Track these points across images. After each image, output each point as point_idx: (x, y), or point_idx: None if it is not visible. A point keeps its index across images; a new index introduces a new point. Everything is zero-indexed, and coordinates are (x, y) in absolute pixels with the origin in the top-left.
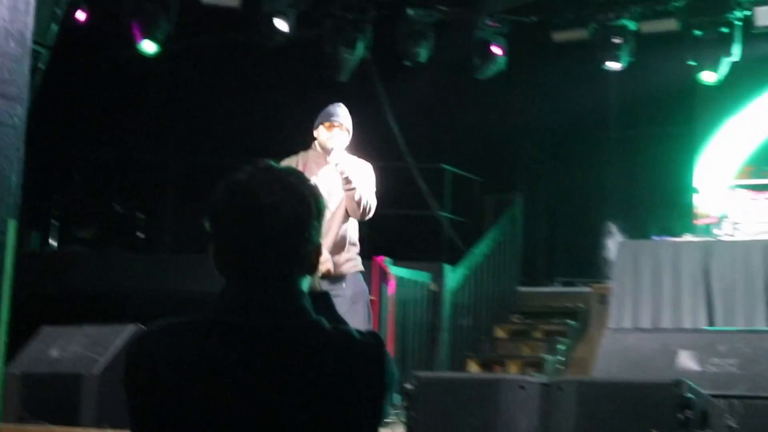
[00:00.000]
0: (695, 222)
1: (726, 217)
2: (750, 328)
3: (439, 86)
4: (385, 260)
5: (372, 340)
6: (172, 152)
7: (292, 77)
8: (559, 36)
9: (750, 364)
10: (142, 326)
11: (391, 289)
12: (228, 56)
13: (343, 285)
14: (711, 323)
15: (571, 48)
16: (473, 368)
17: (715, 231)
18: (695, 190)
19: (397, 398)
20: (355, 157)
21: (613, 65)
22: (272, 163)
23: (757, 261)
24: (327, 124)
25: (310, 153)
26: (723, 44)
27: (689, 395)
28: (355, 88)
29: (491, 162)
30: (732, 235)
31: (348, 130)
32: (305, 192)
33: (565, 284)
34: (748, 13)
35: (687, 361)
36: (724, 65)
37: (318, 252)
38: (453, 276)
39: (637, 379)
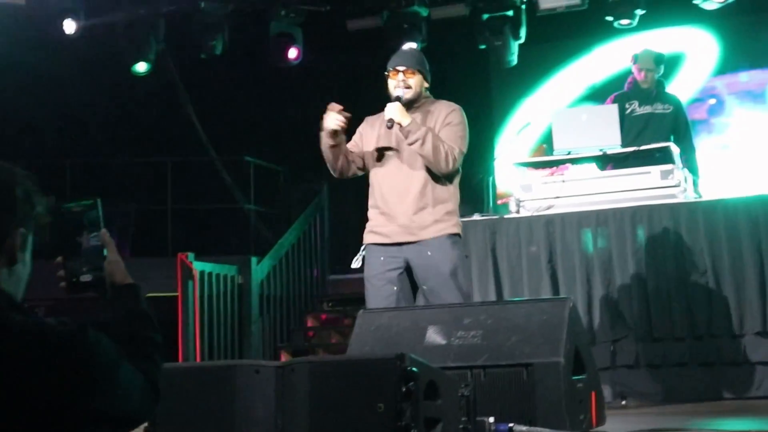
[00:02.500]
0: (498, 202)
1: (512, 195)
2: (511, 299)
3: (237, 78)
4: (188, 256)
5: (69, 330)
6: None
7: (88, 67)
8: (354, 24)
9: (492, 334)
10: None
11: (195, 284)
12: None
13: (428, 252)
14: (500, 298)
15: (367, 35)
16: (286, 358)
17: (510, 209)
18: (492, 171)
19: None
20: (438, 102)
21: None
22: None
23: (540, 236)
24: (391, 72)
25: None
26: (510, 27)
27: (412, 368)
28: (154, 81)
29: (295, 152)
30: (517, 213)
31: (420, 73)
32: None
33: None
34: None
35: (434, 335)
36: (514, 48)
37: (19, 243)
38: (260, 268)
39: (362, 355)
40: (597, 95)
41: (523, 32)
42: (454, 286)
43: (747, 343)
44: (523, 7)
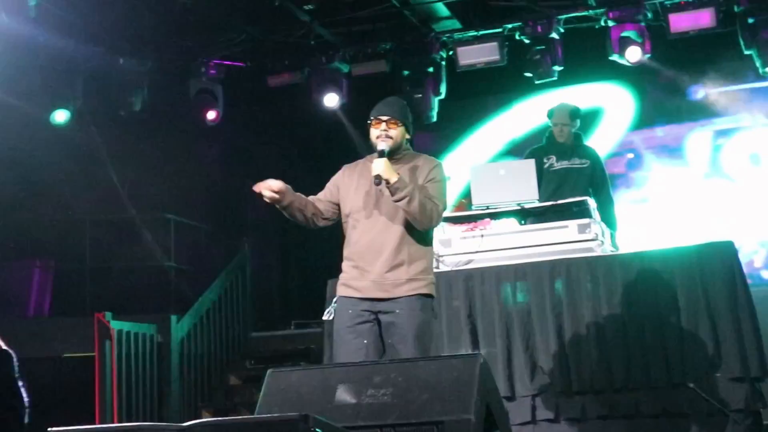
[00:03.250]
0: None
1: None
2: (412, 358)
3: (158, 134)
4: (105, 315)
5: None
6: None
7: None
8: (274, 80)
9: (402, 392)
10: None
11: (112, 343)
12: None
13: (397, 310)
14: None
15: (288, 90)
16: (207, 418)
17: None
18: None
19: None
20: (419, 156)
21: (331, 104)
22: None
23: (459, 291)
24: (373, 121)
25: (368, 159)
26: (431, 83)
27: (316, 429)
28: (72, 137)
29: (217, 210)
30: (437, 268)
31: (403, 124)
32: None
33: (299, 326)
34: (452, 53)
35: (344, 394)
36: (434, 103)
37: None
38: (180, 326)
39: (265, 417)
40: (517, 150)
41: (443, 88)
42: (415, 350)
43: (665, 395)
44: (443, 63)
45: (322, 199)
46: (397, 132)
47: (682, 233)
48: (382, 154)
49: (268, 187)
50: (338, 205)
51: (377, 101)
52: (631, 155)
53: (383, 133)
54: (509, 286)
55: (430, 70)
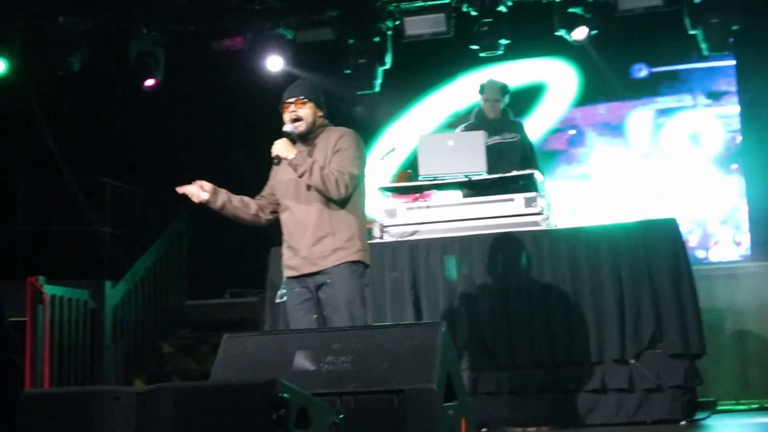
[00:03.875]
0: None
1: (375, 220)
2: (372, 324)
3: (96, 96)
4: (38, 279)
5: None
6: None
7: None
8: (218, 45)
9: (362, 360)
10: None
11: (45, 308)
12: None
13: (328, 280)
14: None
15: (231, 55)
16: (139, 386)
17: (373, 235)
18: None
19: None
20: (330, 128)
21: (274, 67)
22: None
23: (404, 261)
24: (283, 105)
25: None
26: (376, 53)
27: (283, 394)
28: (6, 97)
29: (154, 175)
30: (381, 238)
31: (310, 101)
32: None
33: (234, 295)
34: (398, 23)
35: (303, 361)
36: (379, 73)
37: None
38: (114, 292)
39: (231, 381)
40: (460, 123)
41: (388, 58)
42: (347, 317)
43: (606, 371)
44: (389, 33)
45: (265, 195)
46: (306, 111)
47: (622, 210)
48: (284, 135)
49: (199, 187)
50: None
51: (322, 69)
52: (573, 131)
53: (292, 114)
54: (454, 258)
55: (376, 39)
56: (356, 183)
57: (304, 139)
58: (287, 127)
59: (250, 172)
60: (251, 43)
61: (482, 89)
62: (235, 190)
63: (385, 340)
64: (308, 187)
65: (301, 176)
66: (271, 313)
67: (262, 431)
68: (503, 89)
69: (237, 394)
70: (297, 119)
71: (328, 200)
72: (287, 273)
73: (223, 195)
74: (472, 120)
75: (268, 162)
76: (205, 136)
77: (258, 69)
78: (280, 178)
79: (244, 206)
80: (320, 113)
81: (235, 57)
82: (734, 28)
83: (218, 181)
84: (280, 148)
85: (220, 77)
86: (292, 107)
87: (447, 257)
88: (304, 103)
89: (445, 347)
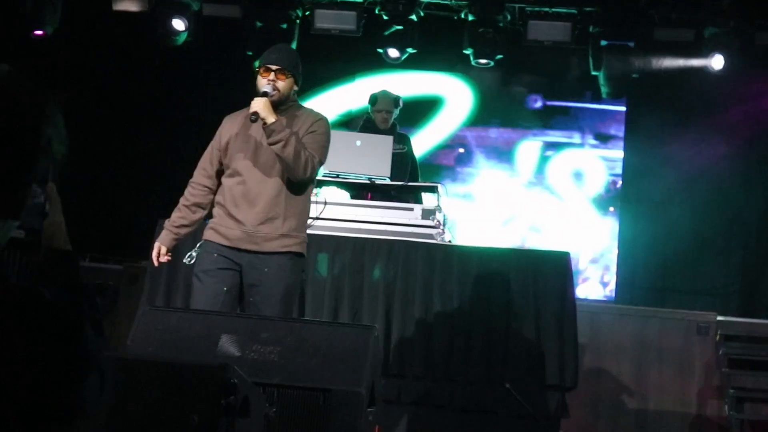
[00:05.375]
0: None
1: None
2: (302, 318)
3: None
4: None
5: (65, 304)
6: None
7: None
8: (119, 5)
9: (290, 353)
10: None
11: None
12: None
13: (265, 269)
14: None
15: (132, 18)
16: None
17: None
18: None
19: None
20: (306, 109)
21: (178, 27)
22: None
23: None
24: (262, 69)
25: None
26: (280, 39)
27: (234, 380)
28: None
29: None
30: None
31: (292, 75)
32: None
33: (95, 260)
34: (309, 14)
35: (228, 345)
36: None
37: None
38: None
39: (181, 360)
40: (351, 124)
41: (293, 46)
42: (279, 311)
43: (481, 391)
44: (298, 22)
45: (207, 170)
46: (285, 84)
47: (500, 235)
48: (264, 95)
49: (163, 254)
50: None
51: (224, 45)
52: (462, 150)
53: (271, 82)
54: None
55: (284, 26)
56: (318, 170)
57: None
58: (266, 88)
59: (155, 144)
60: (153, 8)
61: (374, 99)
62: (144, 160)
63: (315, 336)
64: (271, 159)
65: (273, 144)
66: (151, 281)
67: (209, 415)
68: (396, 101)
69: (185, 374)
70: (275, 89)
71: (287, 179)
72: (214, 238)
73: (177, 234)
74: (359, 129)
75: (176, 129)
76: (95, 96)
77: (160, 32)
78: (234, 141)
79: (194, 222)
80: (296, 88)
81: (136, 20)
82: (634, 76)
83: (121, 160)
84: (262, 106)
85: (120, 38)
86: (272, 75)
87: (320, 254)
88: (285, 76)
89: (375, 352)
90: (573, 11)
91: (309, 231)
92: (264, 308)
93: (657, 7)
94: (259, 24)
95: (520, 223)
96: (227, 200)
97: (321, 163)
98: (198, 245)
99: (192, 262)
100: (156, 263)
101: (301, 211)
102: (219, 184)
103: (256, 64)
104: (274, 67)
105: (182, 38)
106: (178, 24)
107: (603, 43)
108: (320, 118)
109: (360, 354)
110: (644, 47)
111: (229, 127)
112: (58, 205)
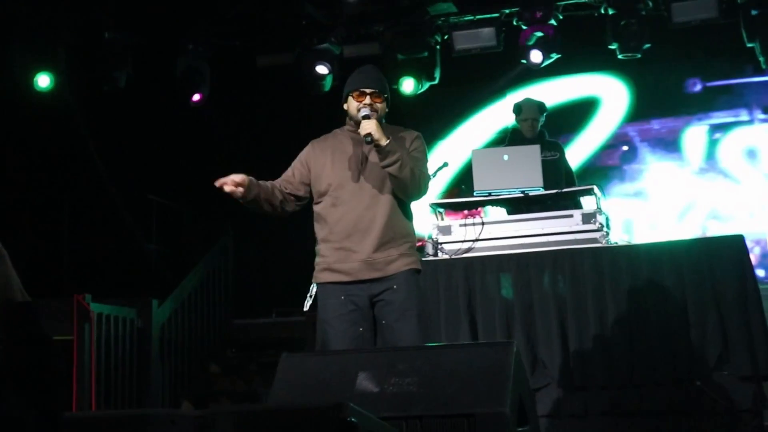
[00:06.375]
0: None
1: (430, 238)
2: (434, 344)
3: (142, 113)
4: (85, 297)
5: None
6: None
7: None
8: (263, 60)
9: (429, 381)
10: None
11: (92, 327)
12: None
13: (394, 286)
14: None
15: (277, 72)
16: (186, 407)
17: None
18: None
19: None
20: (398, 128)
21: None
22: None
23: (459, 279)
24: (356, 93)
25: (339, 132)
26: (425, 68)
27: (351, 418)
28: (52, 113)
29: (199, 192)
30: (435, 256)
31: (386, 98)
32: None
33: (281, 314)
34: (447, 37)
35: (365, 382)
36: (426, 88)
37: None
38: (161, 311)
39: (295, 404)
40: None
41: (437, 73)
42: (417, 329)
43: (670, 392)
44: (438, 48)
45: (291, 181)
46: (381, 106)
47: (680, 228)
48: (368, 117)
49: (231, 181)
50: (309, 185)
51: None
52: (625, 148)
53: (368, 106)
54: (510, 276)
55: (425, 54)
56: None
57: None
58: (366, 110)
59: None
60: (297, 58)
61: (518, 109)
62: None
63: (452, 361)
64: (378, 181)
65: (389, 165)
66: (315, 334)
67: None
68: (541, 107)
69: (302, 418)
70: (373, 111)
71: (397, 199)
72: (332, 278)
73: (256, 186)
74: (507, 142)
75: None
76: (251, 152)
77: (305, 82)
78: (331, 169)
79: (270, 196)
80: (386, 110)
81: (282, 72)
82: None
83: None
84: (375, 128)
85: (266, 92)
86: (368, 99)
87: (503, 275)
88: (380, 97)
89: (517, 368)
90: None
91: (474, 254)
92: (400, 327)
93: None
94: (400, 57)
95: (698, 213)
96: (335, 233)
97: (431, 180)
98: (312, 289)
99: (308, 307)
100: (221, 184)
101: (412, 230)
102: (293, 198)
103: (346, 90)
104: (369, 91)
105: (328, 83)
106: (322, 69)
107: (753, 12)
108: (418, 136)
109: (500, 373)
110: None
111: (321, 156)
112: (6, 260)
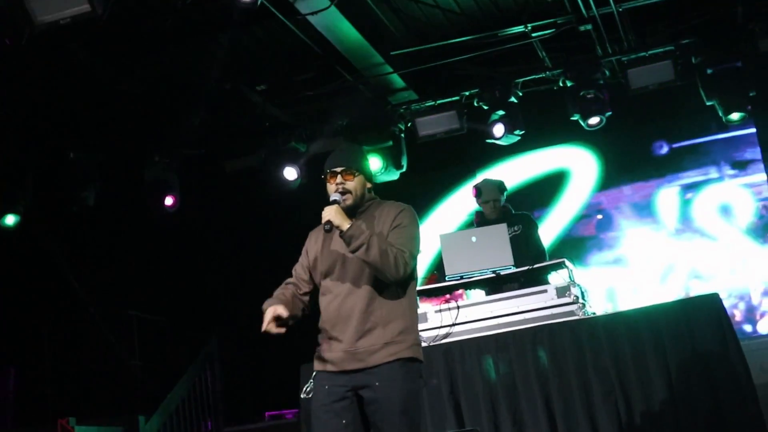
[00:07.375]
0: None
1: None
2: None
3: (113, 229)
4: (68, 421)
5: None
6: None
7: None
8: (231, 165)
9: None
10: None
11: None
12: None
13: (377, 383)
14: None
15: (245, 174)
16: None
17: None
18: None
19: None
20: (387, 203)
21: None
22: None
23: (440, 365)
24: (327, 175)
25: None
26: (392, 157)
27: None
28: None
29: (179, 303)
30: None
31: (361, 173)
32: None
33: (273, 418)
34: (410, 125)
35: None
36: (394, 175)
37: None
38: (149, 427)
39: None
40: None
41: (404, 161)
42: (403, 425)
43: None
44: (402, 135)
45: (303, 278)
46: (354, 183)
47: (663, 292)
48: (334, 203)
49: (273, 326)
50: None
51: None
52: (600, 216)
53: (339, 186)
54: (491, 357)
55: (389, 143)
56: (414, 265)
57: (350, 214)
58: (335, 196)
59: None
60: (263, 160)
61: (479, 192)
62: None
63: None
64: (358, 267)
65: (354, 251)
66: (308, 425)
67: None
68: (500, 187)
69: None
70: (345, 192)
71: (379, 284)
72: (320, 366)
73: (288, 310)
74: (475, 225)
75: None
76: (226, 258)
77: (274, 184)
78: (320, 259)
79: (296, 309)
80: (369, 185)
81: (249, 175)
82: (751, 94)
83: (247, 301)
84: (334, 214)
85: (235, 196)
86: (338, 178)
87: (483, 357)
88: (352, 175)
89: None
90: (670, 48)
91: (452, 339)
92: (385, 428)
93: (756, 20)
94: (366, 148)
95: (679, 274)
96: (325, 321)
97: (414, 255)
98: (313, 375)
99: (309, 396)
100: (269, 329)
101: (405, 313)
102: (307, 296)
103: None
104: (338, 170)
105: (297, 182)
106: (291, 173)
107: (709, 71)
108: (403, 209)
109: None
110: (752, 62)
111: (314, 243)
112: None
